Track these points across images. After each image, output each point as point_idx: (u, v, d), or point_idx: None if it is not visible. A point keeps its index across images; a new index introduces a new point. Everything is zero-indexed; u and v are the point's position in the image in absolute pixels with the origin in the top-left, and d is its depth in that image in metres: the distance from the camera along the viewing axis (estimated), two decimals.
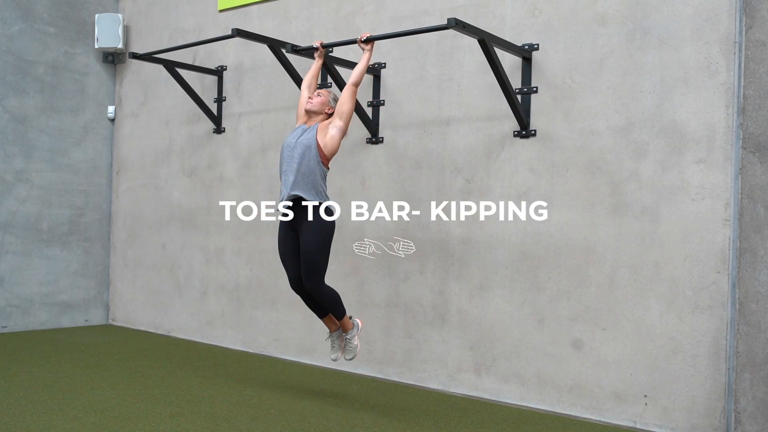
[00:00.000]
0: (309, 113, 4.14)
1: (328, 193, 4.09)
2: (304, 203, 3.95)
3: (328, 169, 4.07)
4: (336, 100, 4.16)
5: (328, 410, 4.14)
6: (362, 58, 4.06)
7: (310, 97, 4.16)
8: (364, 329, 5.08)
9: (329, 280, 5.31)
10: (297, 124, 4.23)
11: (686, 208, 3.85)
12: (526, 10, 4.43)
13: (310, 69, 4.35)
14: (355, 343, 4.19)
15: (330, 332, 4.24)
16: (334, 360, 4.24)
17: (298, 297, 5.55)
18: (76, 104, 6.90)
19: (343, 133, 4.01)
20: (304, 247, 3.95)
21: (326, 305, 4.06)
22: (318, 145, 3.95)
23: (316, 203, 3.94)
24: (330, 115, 4.13)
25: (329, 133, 3.98)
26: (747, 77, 3.68)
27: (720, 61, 3.76)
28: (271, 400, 4.34)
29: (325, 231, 3.97)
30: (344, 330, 4.19)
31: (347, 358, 4.21)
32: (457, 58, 4.73)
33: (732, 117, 3.73)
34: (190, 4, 6.45)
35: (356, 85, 4.01)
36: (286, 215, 4.05)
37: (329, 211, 4.00)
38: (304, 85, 4.29)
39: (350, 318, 4.21)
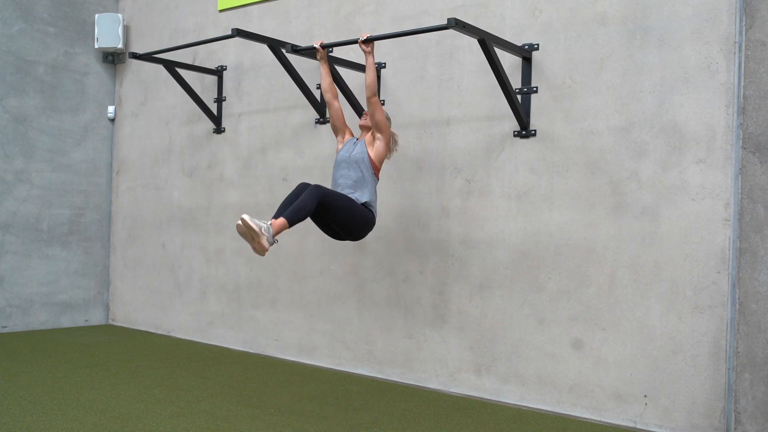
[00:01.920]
0: (362, 128, 4.34)
1: (377, 201, 4.26)
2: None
3: (378, 179, 4.28)
4: (389, 118, 4.36)
5: (328, 410, 4.14)
6: (367, 63, 4.11)
7: (365, 114, 4.33)
8: (364, 329, 5.09)
9: (330, 280, 5.32)
10: (338, 138, 4.43)
11: (686, 208, 3.85)
12: (526, 10, 4.43)
13: (322, 76, 4.42)
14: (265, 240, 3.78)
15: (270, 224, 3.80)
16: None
17: (298, 297, 5.56)
18: (76, 104, 6.90)
19: (387, 141, 4.22)
20: (340, 216, 3.94)
21: (300, 211, 3.80)
22: (369, 158, 4.16)
23: (364, 200, 4.10)
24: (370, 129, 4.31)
25: (375, 145, 4.21)
26: (747, 77, 3.68)
27: (720, 61, 3.76)
28: (271, 400, 4.34)
29: (361, 212, 4.03)
30: (276, 229, 3.79)
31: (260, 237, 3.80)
32: (457, 58, 4.73)
33: (732, 117, 3.73)
34: (190, 4, 6.45)
35: (374, 95, 4.13)
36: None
37: (370, 207, 4.13)
38: (324, 89, 4.41)
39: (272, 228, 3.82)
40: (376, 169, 4.20)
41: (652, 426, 3.91)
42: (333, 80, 4.47)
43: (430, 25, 4.24)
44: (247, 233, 3.58)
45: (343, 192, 4.10)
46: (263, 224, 3.59)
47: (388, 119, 4.32)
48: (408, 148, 4.93)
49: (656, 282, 3.92)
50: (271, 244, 3.63)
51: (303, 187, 3.93)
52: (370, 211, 4.12)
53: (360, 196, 4.09)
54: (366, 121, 4.31)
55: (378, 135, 4.20)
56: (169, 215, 6.59)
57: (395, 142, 4.41)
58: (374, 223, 4.17)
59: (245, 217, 3.56)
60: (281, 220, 3.69)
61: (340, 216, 3.94)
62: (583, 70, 4.21)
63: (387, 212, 5.01)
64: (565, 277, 4.23)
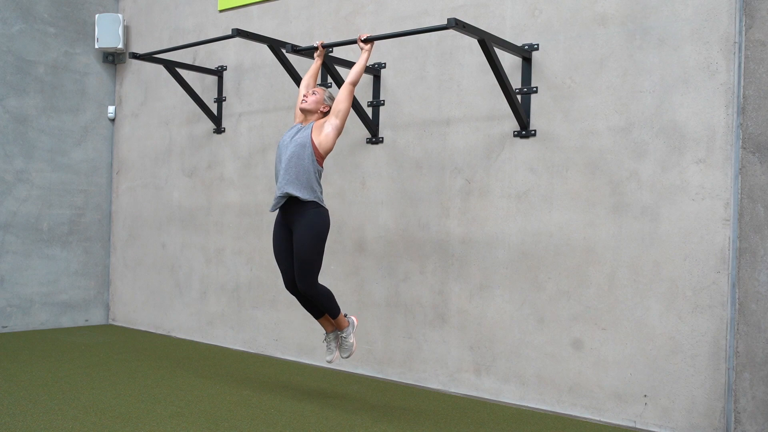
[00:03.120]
0: (304, 112, 4.11)
1: (323, 192, 4.08)
2: (297, 201, 3.92)
3: (323, 168, 4.06)
4: (332, 98, 4.16)
5: (328, 410, 4.14)
6: (361, 57, 4.05)
7: (305, 96, 4.14)
8: (364, 329, 5.08)
9: (330, 280, 5.32)
10: (294, 122, 4.23)
11: (686, 208, 3.85)
12: (526, 10, 4.43)
13: (309, 69, 4.35)
14: (351, 341, 4.18)
15: (326, 333, 4.22)
16: (329, 362, 4.22)
17: None
18: (76, 104, 6.90)
19: (339, 131, 3.99)
20: (297, 246, 3.92)
21: (320, 305, 4.04)
22: (313, 144, 3.93)
23: (310, 201, 3.92)
24: (326, 114, 4.12)
25: (324, 131, 3.97)
26: (747, 77, 3.68)
27: (720, 61, 3.76)
28: (271, 400, 4.34)
29: (318, 230, 3.92)
30: (339, 328, 4.17)
31: (343, 356, 4.21)
32: (457, 58, 4.73)
33: (732, 117, 3.73)
34: (190, 4, 6.45)
35: (354, 84, 4.01)
36: (280, 211, 4.06)
37: (322, 211, 3.97)
38: (302, 84, 4.27)
39: (345, 316, 4.19)
40: (318, 156, 3.94)
41: (652, 426, 3.91)
42: (315, 77, 4.31)
43: (430, 25, 4.24)
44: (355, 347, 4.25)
45: (286, 190, 3.90)
46: (351, 331, 4.23)
47: (331, 98, 4.16)
48: (408, 148, 4.93)
49: (656, 282, 3.92)
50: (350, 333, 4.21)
51: (293, 284, 4.11)
52: (322, 207, 3.96)
53: (306, 195, 3.89)
54: (309, 104, 4.06)
55: (333, 121, 3.95)
56: (169, 215, 6.60)
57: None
58: (329, 223, 4.02)
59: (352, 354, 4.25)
60: (339, 318, 4.15)
61: (304, 253, 3.92)
62: (583, 70, 4.21)
63: (387, 212, 5.01)
64: (565, 277, 4.23)
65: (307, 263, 3.91)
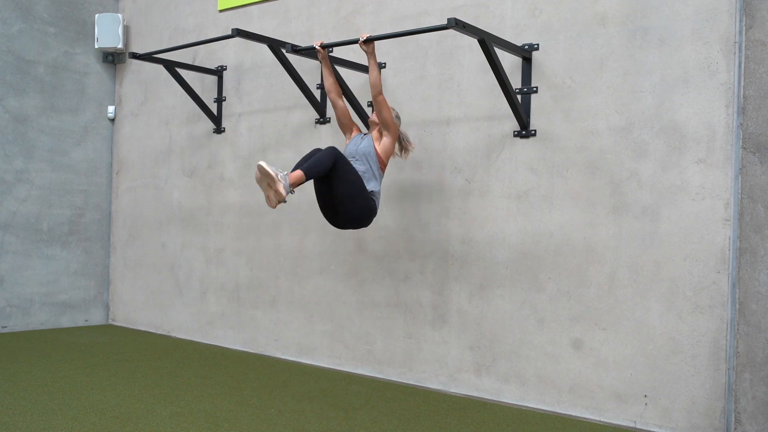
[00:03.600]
0: (371, 125, 4.33)
1: (379, 194, 4.23)
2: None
3: (383, 174, 4.30)
4: (398, 117, 4.38)
5: (328, 410, 4.14)
6: (369, 63, 4.10)
7: (373, 116, 4.33)
8: (364, 329, 5.09)
9: (330, 279, 5.32)
10: (346, 136, 4.44)
11: (686, 208, 3.85)
12: (526, 10, 4.43)
13: (324, 77, 4.41)
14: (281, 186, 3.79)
15: (289, 180, 3.82)
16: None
17: (298, 297, 5.56)
18: (76, 104, 6.90)
19: (395, 139, 4.22)
20: (340, 204, 3.97)
21: (317, 168, 3.86)
22: (376, 152, 4.18)
23: (370, 189, 4.09)
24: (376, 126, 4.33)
25: (383, 141, 4.22)
26: (747, 77, 3.68)
27: (720, 61, 3.76)
28: (271, 400, 4.34)
29: (366, 195, 4.03)
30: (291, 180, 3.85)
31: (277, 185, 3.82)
32: (457, 58, 4.73)
33: (732, 117, 3.73)
34: (190, 4, 6.45)
35: (379, 93, 4.11)
36: None
37: (374, 197, 4.12)
38: (328, 88, 4.39)
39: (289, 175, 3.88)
40: (382, 164, 4.21)
41: (652, 426, 3.91)
42: (335, 80, 4.46)
43: (430, 25, 4.24)
44: (263, 179, 3.61)
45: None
46: (280, 172, 3.64)
47: (398, 118, 4.35)
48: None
49: (656, 282, 3.92)
50: (287, 193, 3.65)
51: (317, 150, 4.00)
52: (374, 200, 4.12)
53: (367, 185, 4.09)
54: (375, 117, 4.33)
55: (385, 132, 4.22)
56: (169, 215, 6.60)
57: (408, 141, 4.42)
58: (375, 214, 4.15)
59: (262, 163, 3.59)
60: (298, 171, 3.76)
61: (344, 188, 3.93)
62: (583, 70, 4.21)
63: (387, 212, 5.01)
64: (565, 277, 4.23)
65: (352, 191, 3.95)
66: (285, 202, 3.70)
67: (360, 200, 4.00)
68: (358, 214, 4.04)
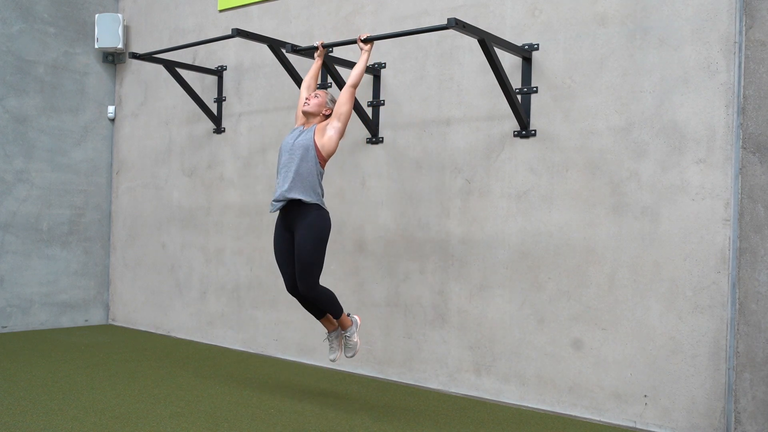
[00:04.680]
0: (306, 114, 4.11)
1: (324, 195, 4.07)
2: (299, 203, 3.92)
3: (324, 170, 4.07)
4: (334, 101, 4.15)
5: (328, 410, 4.14)
6: (360, 58, 4.04)
7: (307, 99, 4.12)
8: (364, 329, 5.07)
9: (330, 279, 5.32)
10: (296, 125, 4.22)
11: (686, 208, 3.85)
12: (526, 10, 4.43)
13: (309, 69, 4.35)
14: (355, 340, 4.18)
15: (328, 332, 4.22)
16: (333, 360, 4.22)
17: None
18: (76, 104, 6.90)
19: (341, 134, 3.99)
20: (299, 248, 3.91)
21: (323, 306, 4.03)
22: (316, 146, 3.94)
23: (312, 203, 3.92)
24: (327, 117, 4.11)
25: (327, 134, 3.97)
26: (747, 77, 3.68)
27: (720, 61, 3.76)
28: (271, 400, 4.34)
29: (320, 232, 3.92)
30: (343, 328, 4.17)
31: (348, 355, 4.20)
32: (457, 58, 4.73)
33: (732, 117, 3.73)
34: (190, 4, 6.45)
35: (355, 86, 4.00)
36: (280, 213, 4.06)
37: (323, 213, 3.97)
38: (303, 85, 4.27)
39: (348, 315, 4.20)
40: (321, 159, 3.95)
41: (652, 426, 3.91)
42: (317, 80, 4.32)
43: (430, 25, 4.24)
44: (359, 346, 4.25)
45: (289, 194, 3.90)
46: (354, 330, 4.22)
47: (333, 101, 4.15)
48: (408, 148, 4.93)
49: (656, 282, 3.92)
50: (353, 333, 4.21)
51: (293, 285, 4.11)
52: (324, 210, 3.96)
53: (309, 197, 3.90)
54: (311, 107, 4.05)
55: (335, 123, 3.95)
56: (169, 215, 6.60)
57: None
58: (330, 225, 4.01)
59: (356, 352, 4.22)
60: (342, 318, 4.15)
61: (307, 256, 3.91)
62: (583, 70, 4.21)
63: (387, 212, 5.01)
64: (565, 277, 4.23)
65: (308, 265, 3.90)
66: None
67: (320, 245, 3.96)
68: (313, 254, 3.93)
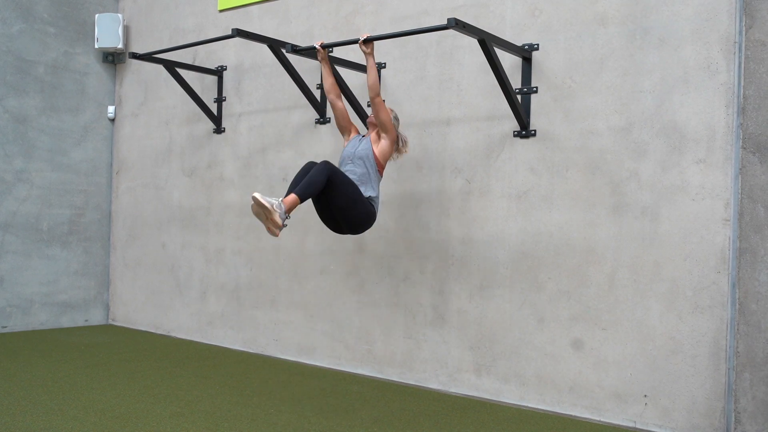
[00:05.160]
0: (371, 125, 4.33)
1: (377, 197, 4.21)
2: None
3: (381, 177, 4.27)
4: (397, 118, 4.37)
5: (328, 410, 4.14)
6: (368, 65, 4.09)
7: (370, 117, 4.33)
8: (364, 329, 5.08)
9: (331, 279, 5.32)
10: (344, 137, 4.43)
11: (686, 208, 3.85)
12: (526, 10, 4.43)
13: (324, 77, 4.41)
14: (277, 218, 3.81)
15: (285, 206, 3.83)
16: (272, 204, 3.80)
17: (298, 297, 5.56)
18: (76, 104, 6.90)
19: (393, 141, 4.21)
20: (339, 212, 3.97)
21: (310, 180, 3.83)
22: (374, 154, 4.18)
23: (368, 195, 4.10)
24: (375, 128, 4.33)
25: (380, 144, 4.22)
26: (747, 77, 3.68)
27: (720, 61, 3.76)
28: (271, 400, 4.34)
29: (364, 203, 4.02)
30: (286, 204, 3.82)
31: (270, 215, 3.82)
32: (457, 58, 4.73)
33: (732, 117, 3.73)
34: (190, 4, 6.45)
35: (377, 95, 4.10)
36: None
37: (372, 203, 4.11)
38: (328, 92, 4.39)
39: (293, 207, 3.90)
40: (380, 167, 4.21)
41: (652, 426, 3.91)
42: (335, 80, 4.46)
43: (430, 25, 4.24)
44: (261, 212, 3.66)
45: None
46: (275, 201, 3.67)
47: (396, 119, 4.34)
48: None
49: (656, 282, 3.92)
50: (284, 220, 3.70)
51: (311, 165, 3.98)
52: (372, 206, 4.13)
53: (364, 191, 4.09)
54: (373, 118, 4.32)
55: (383, 134, 4.22)
56: (169, 215, 6.60)
57: (404, 143, 4.37)
58: (374, 219, 4.15)
59: (257, 195, 3.64)
60: (292, 196, 3.77)
61: (342, 200, 3.93)
62: (583, 70, 4.21)
63: (387, 212, 5.01)
64: (565, 277, 4.23)
65: (349, 201, 3.95)
66: (285, 226, 3.76)
67: (360, 206, 4.01)
68: (358, 221, 4.05)
